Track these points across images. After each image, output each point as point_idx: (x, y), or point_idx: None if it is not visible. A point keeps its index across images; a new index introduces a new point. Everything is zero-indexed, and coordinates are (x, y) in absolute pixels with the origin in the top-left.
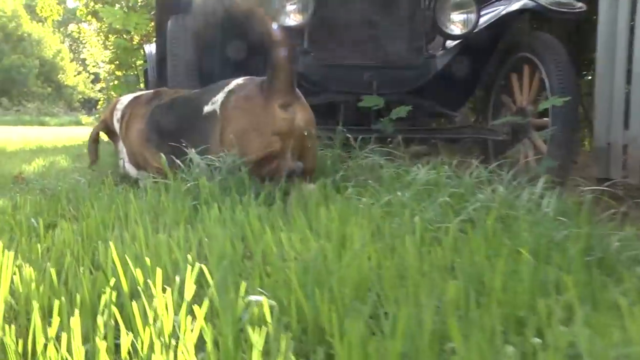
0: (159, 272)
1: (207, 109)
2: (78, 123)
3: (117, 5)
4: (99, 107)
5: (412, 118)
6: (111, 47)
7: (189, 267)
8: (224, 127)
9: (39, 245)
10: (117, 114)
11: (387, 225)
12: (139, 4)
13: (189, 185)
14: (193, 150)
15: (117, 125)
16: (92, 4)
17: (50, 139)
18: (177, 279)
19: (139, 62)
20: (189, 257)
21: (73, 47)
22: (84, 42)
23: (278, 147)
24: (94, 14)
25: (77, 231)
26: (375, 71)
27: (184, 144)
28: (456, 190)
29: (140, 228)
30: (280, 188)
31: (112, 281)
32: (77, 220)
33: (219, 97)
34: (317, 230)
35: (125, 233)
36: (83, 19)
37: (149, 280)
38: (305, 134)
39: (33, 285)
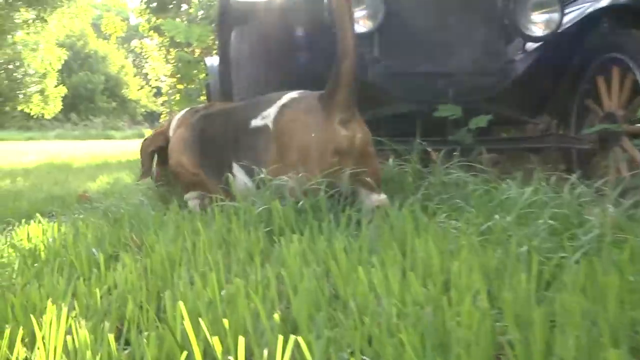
0: (240, 342)
1: (255, 123)
2: (141, 136)
3: (178, 19)
4: (161, 120)
5: (487, 127)
6: (172, 61)
7: (280, 339)
8: (280, 144)
9: (97, 290)
10: (173, 126)
11: (492, 257)
12: (198, 17)
13: (259, 209)
14: (246, 166)
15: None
16: (154, 19)
17: (114, 154)
18: (265, 353)
19: (201, 75)
20: (275, 318)
21: (136, 62)
22: (146, 57)
23: (337, 166)
24: (156, 29)
25: (140, 268)
26: (450, 78)
27: (240, 160)
28: (557, 210)
29: (213, 273)
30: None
31: (184, 355)
32: (140, 251)
33: (271, 111)
34: (414, 265)
35: (194, 274)
36: (145, 35)
37: (230, 358)
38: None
39: (89, 353)
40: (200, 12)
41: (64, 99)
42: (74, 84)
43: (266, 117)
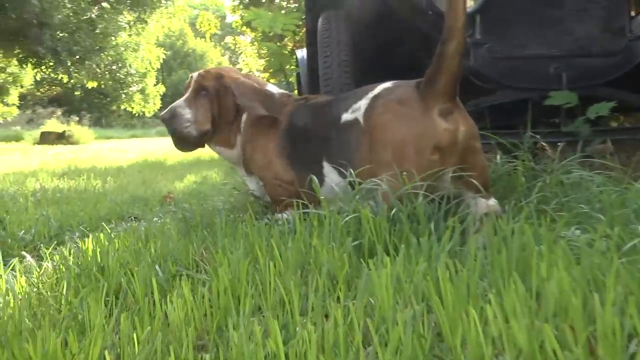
0: None
1: (346, 117)
2: None
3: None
4: None
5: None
6: (265, 56)
7: None
8: (372, 140)
9: (140, 330)
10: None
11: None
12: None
13: (346, 218)
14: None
15: None
16: (246, 15)
17: (208, 151)
18: None
19: (292, 68)
20: None
21: (232, 59)
22: (239, 52)
23: (438, 165)
24: (248, 24)
25: (198, 301)
26: (563, 61)
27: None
28: None
29: (281, 310)
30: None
31: None
32: (206, 273)
33: (362, 103)
34: (543, 302)
35: (259, 315)
36: (238, 30)
37: None
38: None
39: None
40: (294, 5)
41: (164, 97)
42: (173, 82)
43: (356, 111)
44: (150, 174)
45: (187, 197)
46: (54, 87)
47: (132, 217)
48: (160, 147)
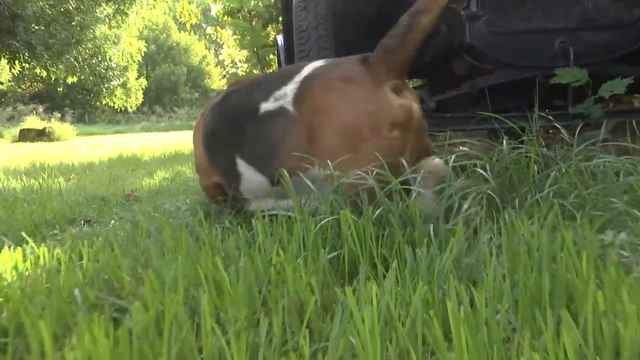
0: None
1: (266, 106)
2: None
3: None
4: None
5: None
6: (248, 47)
7: None
8: (314, 127)
9: None
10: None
11: None
12: None
13: (322, 222)
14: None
15: None
16: (228, 4)
17: (190, 144)
18: None
19: (272, 57)
20: None
21: (218, 52)
22: (222, 43)
23: (399, 145)
24: (230, 14)
25: (106, 348)
26: (570, 35)
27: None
28: None
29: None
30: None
31: None
32: (134, 297)
33: (288, 89)
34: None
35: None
36: (220, 20)
37: None
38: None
39: None
40: None
41: (148, 91)
42: (157, 76)
43: (281, 98)
44: (119, 171)
45: (152, 195)
46: (35, 84)
47: (83, 221)
48: (139, 142)
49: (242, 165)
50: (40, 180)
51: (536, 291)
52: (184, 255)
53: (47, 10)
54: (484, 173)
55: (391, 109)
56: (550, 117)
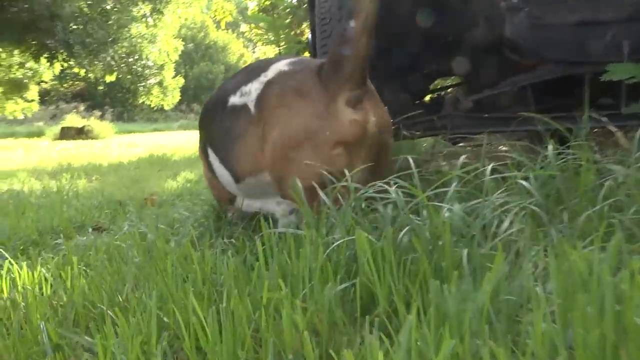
0: None
1: (233, 100)
2: None
3: None
4: None
5: None
6: (282, 45)
7: None
8: (265, 134)
9: None
10: None
11: None
12: None
13: (335, 243)
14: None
15: None
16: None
17: None
18: None
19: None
20: None
21: (255, 50)
22: (255, 41)
23: (342, 163)
24: (265, 11)
25: None
26: (623, 27)
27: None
28: None
29: None
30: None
31: None
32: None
33: (253, 87)
34: None
35: None
36: (255, 19)
37: None
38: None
39: None
40: None
41: (187, 90)
42: (195, 74)
43: (246, 95)
44: (145, 171)
45: (172, 199)
46: (77, 83)
47: (92, 228)
48: (173, 141)
49: (212, 157)
50: (62, 182)
51: (598, 342)
52: (163, 284)
53: (84, 9)
54: (526, 185)
55: (337, 126)
56: (602, 118)
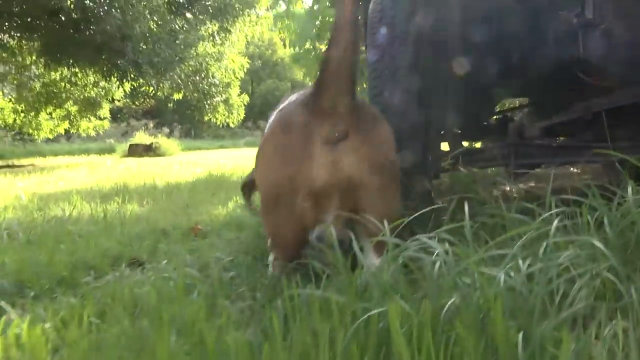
0: None
1: (270, 120)
2: None
3: None
4: None
5: None
6: None
7: None
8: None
9: None
10: None
11: None
12: None
13: (366, 315)
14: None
15: None
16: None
17: None
18: None
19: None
20: None
21: None
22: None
23: (310, 217)
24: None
25: None
26: None
27: None
28: None
29: None
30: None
31: None
32: None
33: (274, 113)
34: None
35: None
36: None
37: None
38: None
39: None
40: None
41: (253, 107)
42: (262, 92)
43: (269, 117)
44: (199, 194)
45: (220, 228)
46: (147, 100)
47: (129, 262)
48: (235, 159)
49: None
50: (113, 206)
51: None
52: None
53: (154, 29)
54: (600, 246)
55: (310, 171)
56: None
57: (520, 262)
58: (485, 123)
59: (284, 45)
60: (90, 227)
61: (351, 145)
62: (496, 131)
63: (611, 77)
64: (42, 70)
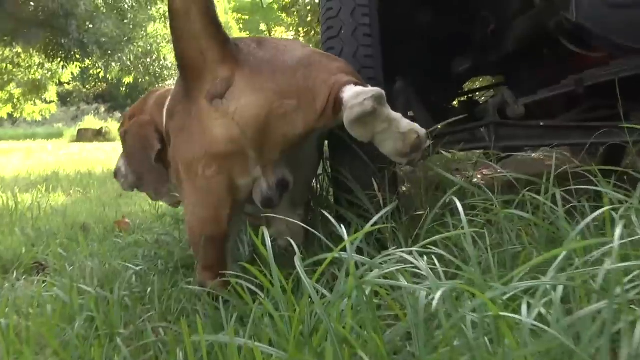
0: None
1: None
2: None
3: None
4: None
5: None
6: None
7: None
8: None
9: None
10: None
11: None
12: None
13: None
14: None
15: None
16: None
17: None
18: None
19: None
20: None
21: None
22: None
23: (219, 184)
24: (284, 9)
25: None
26: None
27: None
28: None
29: None
30: None
31: None
32: None
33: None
34: None
35: None
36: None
37: None
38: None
39: None
40: None
41: None
42: None
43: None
44: None
45: (154, 221)
46: (99, 84)
47: (31, 267)
48: None
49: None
50: (36, 196)
51: None
52: None
53: (100, 7)
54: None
55: (205, 134)
56: None
57: (554, 294)
58: (446, 105)
59: (240, 29)
60: None
61: (238, 90)
62: (461, 113)
63: (607, 44)
64: None
